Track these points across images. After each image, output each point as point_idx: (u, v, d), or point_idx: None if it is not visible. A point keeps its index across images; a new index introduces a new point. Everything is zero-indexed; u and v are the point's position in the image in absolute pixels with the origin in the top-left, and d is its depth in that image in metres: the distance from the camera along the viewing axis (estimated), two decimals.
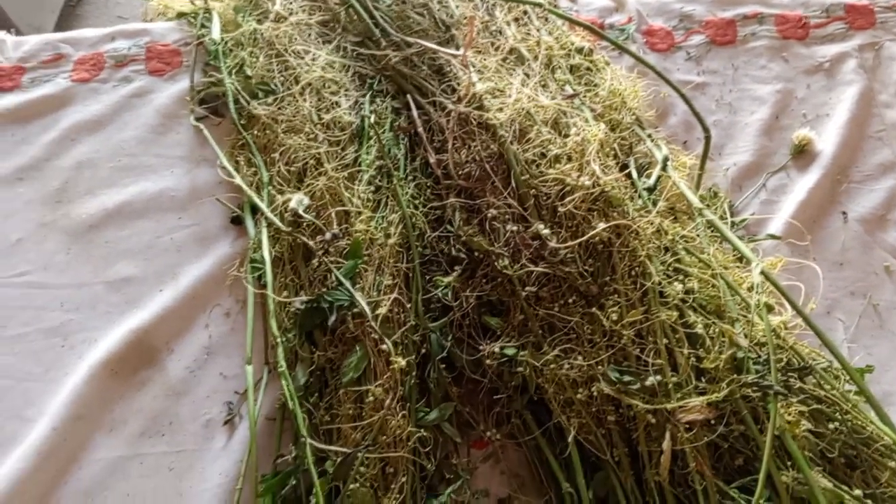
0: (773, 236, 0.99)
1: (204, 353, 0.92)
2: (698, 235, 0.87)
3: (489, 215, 0.86)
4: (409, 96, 1.01)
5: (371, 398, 0.76)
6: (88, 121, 1.10)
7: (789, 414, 0.74)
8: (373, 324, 0.79)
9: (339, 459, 0.74)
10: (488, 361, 0.82)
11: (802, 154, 1.09)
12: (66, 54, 1.17)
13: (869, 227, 1.03)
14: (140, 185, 1.04)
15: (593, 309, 0.80)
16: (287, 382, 0.78)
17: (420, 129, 0.97)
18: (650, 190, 0.90)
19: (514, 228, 0.84)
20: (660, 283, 0.80)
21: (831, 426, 0.77)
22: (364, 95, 1.01)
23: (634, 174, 0.93)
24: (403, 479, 0.76)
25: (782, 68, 1.19)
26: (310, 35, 1.08)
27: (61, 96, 1.12)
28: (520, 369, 0.81)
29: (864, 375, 0.84)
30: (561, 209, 0.84)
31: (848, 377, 0.77)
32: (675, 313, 0.79)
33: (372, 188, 0.92)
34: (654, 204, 0.88)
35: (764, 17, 1.24)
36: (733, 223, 1.00)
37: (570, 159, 0.87)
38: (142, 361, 0.92)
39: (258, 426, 0.84)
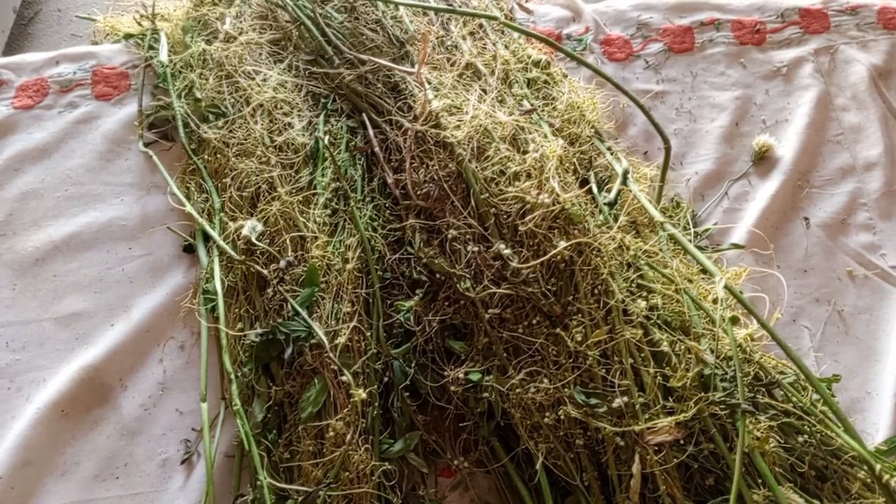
0: (736, 245, 0.99)
1: (159, 389, 0.88)
2: (661, 250, 0.86)
3: (449, 236, 0.85)
4: (364, 115, 0.98)
5: (332, 433, 0.74)
6: (33, 149, 1.06)
7: (758, 430, 0.73)
8: (331, 355, 0.76)
9: (300, 499, 0.71)
10: (453, 388, 0.80)
11: (763, 160, 1.09)
12: (8, 80, 1.12)
13: (831, 233, 1.03)
14: (88, 215, 1.00)
15: (557, 330, 0.79)
16: (242, 422, 0.75)
17: (377, 149, 0.95)
18: (611, 205, 0.89)
19: (476, 249, 0.83)
20: (623, 301, 0.79)
21: (800, 439, 0.76)
22: (318, 115, 0.99)
23: (595, 189, 0.91)
24: None
25: (741, 74, 1.19)
26: (261, 55, 1.05)
27: (3, 124, 1.08)
28: (485, 395, 0.79)
29: (831, 385, 0.83)
30: (522, 228, 0.82)
31: (814, 388, 0.76)
32: (640, 331, 0.78)
33: (328, 211, 0.90)
34: (616, 219, 0.86)
35: (721, 23, 1.24)
36: (696, 234, 0.99)
37: (529, 176, 0.86)
38: (94, 400, 0.88)
39: (217, 464, 0.81)
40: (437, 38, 1.06)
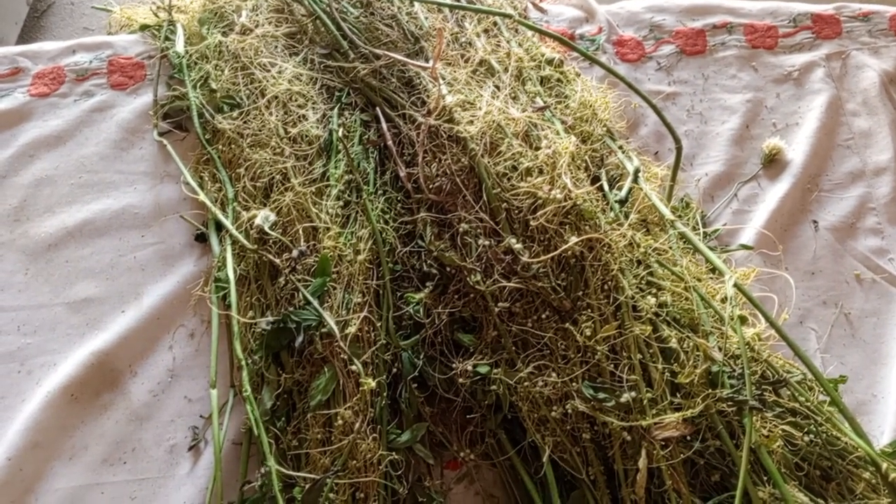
0: (745, 246, 0.99)
1: (168, 376, 0.89)
2: (671, 248, 0.86)
3: (461, 230, 0.85)
4: (378, 109, 0.99)
5: (340, 421, 0.74)
6: (48, 136, 1.07)
7: (765, 428, 0.74)
8: (342, 344, 0.77)
9: (307, 486, 0.72)
10: (461, 380, 0.80)
11: (773, 163, 1.09)
12: (25, 68, 1.13)
13: (839, 236, 1.04)
14: (102, 203, 1.01)
15: (567, 324, 0.79)
16: (252, 408, 0.75)
17: (390, 143, 0.95)
18: (622, 202, 0.89)
19: (486, 243, 0.83)
20: (633, 297, 0.79)
21: (806, 439, 0.77)
22: (332, 108, 1.00)
23: (606, 186, 0.92)
24: None
25: (752, 77, 1.19)
26: (276, 47, 1.06)
27: (19, 111, 1.09)
28: (493, 387, 0.79)
29: (837, 386, 0.83)
30: (533, 223, 0.83)
31: (822, 388, 0.76)
32: (649, 328, 0.78)
33: (341, 203, 0.90)
34: (626, 216, 0.87)
35: (733, 26, 1.24)
36: (705, 234, 1.00)
37: (541, 172, 0.86)
38: (103, 385, 0.88)
39: (224, 451, 0.81)
40: (452, 34, 1.06)
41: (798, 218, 1.05)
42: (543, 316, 0.80)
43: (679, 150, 0.96)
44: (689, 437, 0.73)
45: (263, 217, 0.87)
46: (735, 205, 1.06)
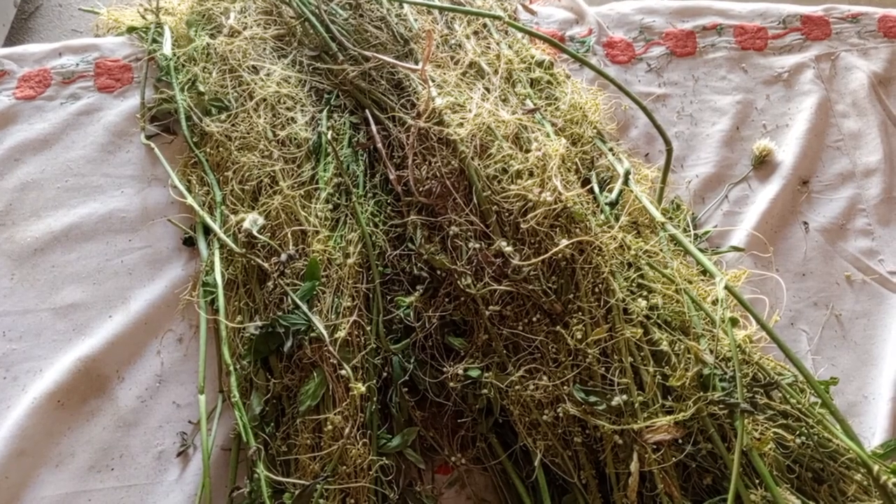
0: (736, 248, 0.99)
1: (156, 382, 0.88)
2: (661, 250, 0.86)
3: (451, 233, 0.85)
4: (367, 111, 0.99)
5: (330, 426, 0.73)
6: (34, 140, 1.06)
7: (757, 430, 0.73)
8: (331, 348, 0.76)
9: (297, 492, 0.71)
10: (452, 384, 0.80)
11: (763, 165, 1.09)
12: (10, 71, 1.12)
13: (830, 237, 1.04)
14: (88, 207, 1.00)
15: (557, 327, 0.79)
16: (241, 413, 0.74)
17: (379, 145, 0.95)
18: (612, 204, 0.89)
19: (477, 246, 0.83)
20: (624, 300, 0.79)
21: (798, 441, 0.76)
22: (321, 111, 0.99)
23: (596, 188, 0.91)
24: None
25: (742, 79, 1.19)
26: (265, 50, 1.05)
27: (4, 114, 1.07)
28: (484, 391, 0.79)
29: (828, 388, 0.83)
30: (523, 225, 0.82)
31: (813, 390, 0.76)
32: (640, 330, 0.78)
33: (330, 206, 0.90)
34: (617, 219, 0.87)
35: (723, 27, 1.24)
36: (696, 236, 1.00)
37: (531, 175, 0.86)
38: (90, 391, 0.87)
39: (212, 457, 0.80)
40: (442, 36, 1.06)
41: (788, 219, 1.05)
42: (534, 319, 0.80)
43: (669, 151, 0.95)
44: (680, 440, 0.73)
45: (252, 221, 0.86)
46: (725, 206, 1.06)
